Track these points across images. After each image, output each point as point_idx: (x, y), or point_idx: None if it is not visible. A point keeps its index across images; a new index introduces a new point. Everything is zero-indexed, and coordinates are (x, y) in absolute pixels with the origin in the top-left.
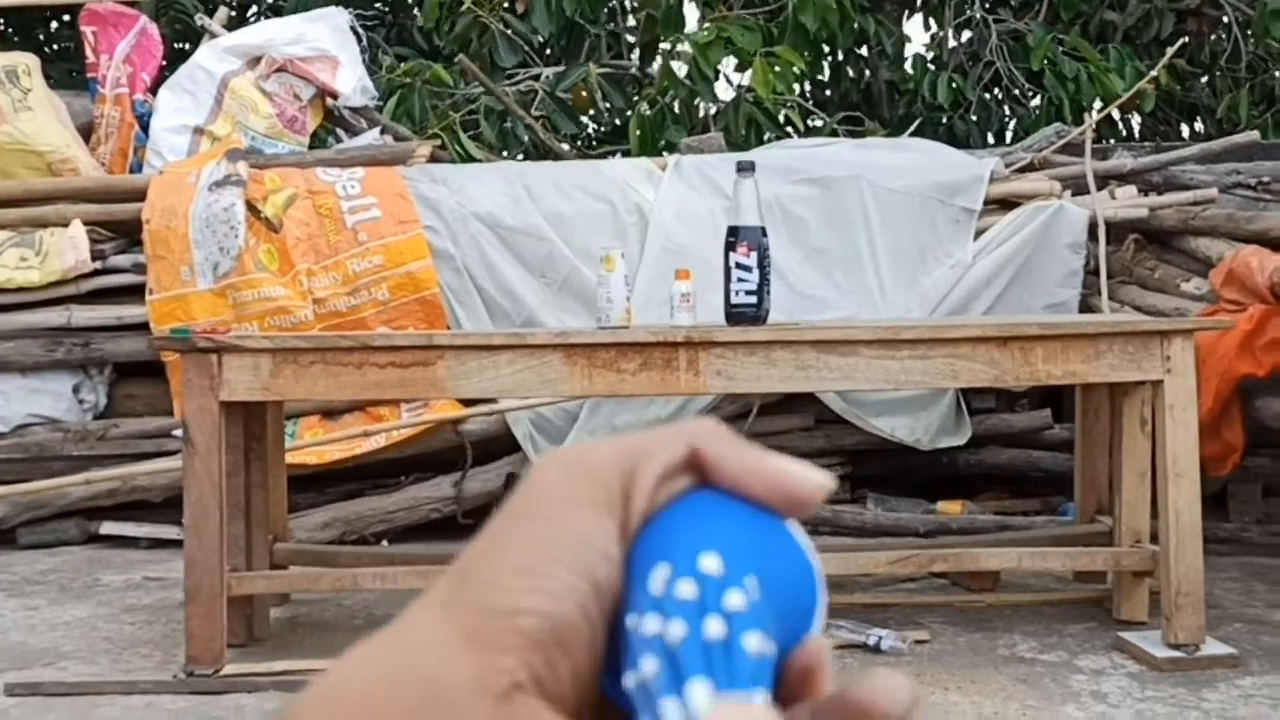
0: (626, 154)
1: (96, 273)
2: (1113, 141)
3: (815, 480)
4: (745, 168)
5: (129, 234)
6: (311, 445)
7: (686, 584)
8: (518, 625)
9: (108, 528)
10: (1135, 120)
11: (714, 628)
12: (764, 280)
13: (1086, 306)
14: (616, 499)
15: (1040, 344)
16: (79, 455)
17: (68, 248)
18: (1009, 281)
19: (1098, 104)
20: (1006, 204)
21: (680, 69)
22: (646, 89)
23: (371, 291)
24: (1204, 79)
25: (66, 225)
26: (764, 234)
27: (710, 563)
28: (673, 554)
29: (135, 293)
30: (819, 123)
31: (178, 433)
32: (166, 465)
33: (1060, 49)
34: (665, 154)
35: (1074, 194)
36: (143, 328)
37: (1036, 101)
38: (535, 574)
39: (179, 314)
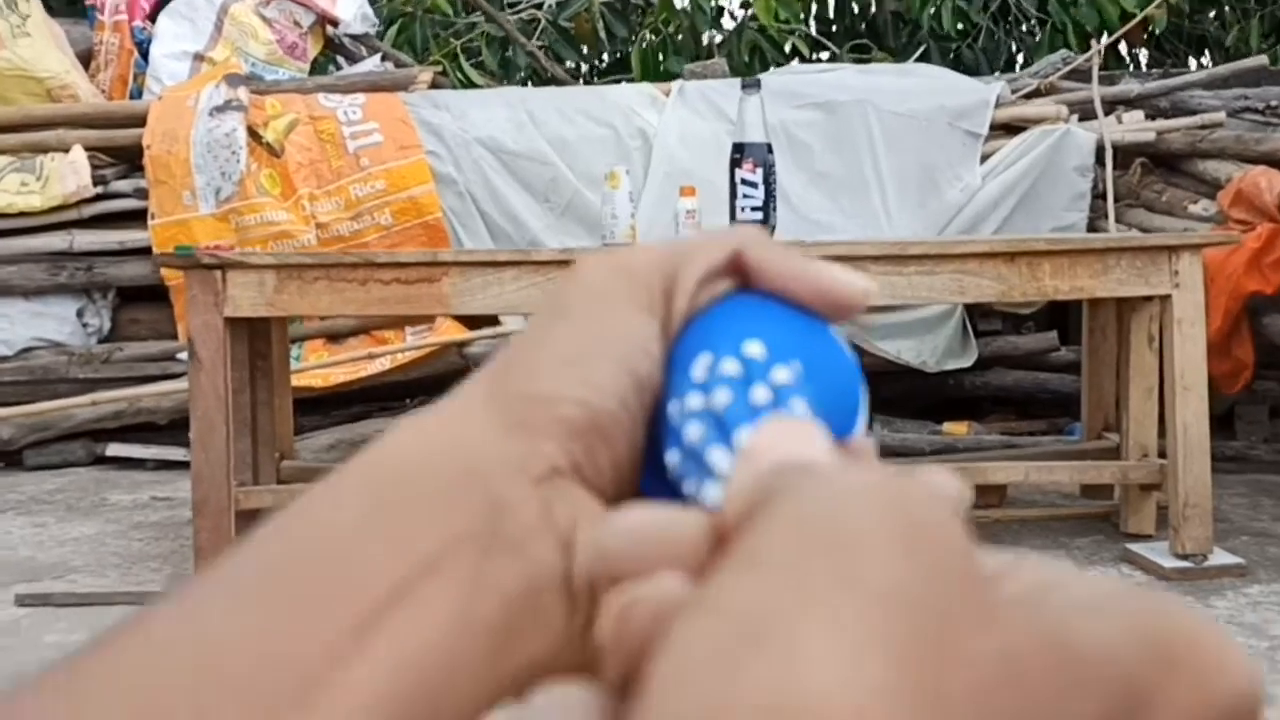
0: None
1: (98, 197)
2: (1119, 73)
3: (859, 284)
4: (751, 85)
5: (130, 159)
6: (316, 368)
7: (731, 363)
8: (559, 413)
9: (114, 449)
10: (1142, 54)
11: (761, 394)
12: (770, 197)
13: (1093, 230)
14: (658, 298)
15: (1048, 259)
16: (84, 378)
17: (68, 173)
18: (1015, 205)
19: (1105, 36)
20: (1012, 129)
21: None
22: (649, 18)
23: (374, 216)
24: (1212, 12)
25: (67, 151)
26: (770, 150)
27: (754, 348)
28: (715, 345)
29: (137, 218)
30: (825, 55)
31: (182, 355)
32: (172, 387)
33: None
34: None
35: (1080, 119)
36: (145, 252)
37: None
38: (576, 365)
39: (181, 238)
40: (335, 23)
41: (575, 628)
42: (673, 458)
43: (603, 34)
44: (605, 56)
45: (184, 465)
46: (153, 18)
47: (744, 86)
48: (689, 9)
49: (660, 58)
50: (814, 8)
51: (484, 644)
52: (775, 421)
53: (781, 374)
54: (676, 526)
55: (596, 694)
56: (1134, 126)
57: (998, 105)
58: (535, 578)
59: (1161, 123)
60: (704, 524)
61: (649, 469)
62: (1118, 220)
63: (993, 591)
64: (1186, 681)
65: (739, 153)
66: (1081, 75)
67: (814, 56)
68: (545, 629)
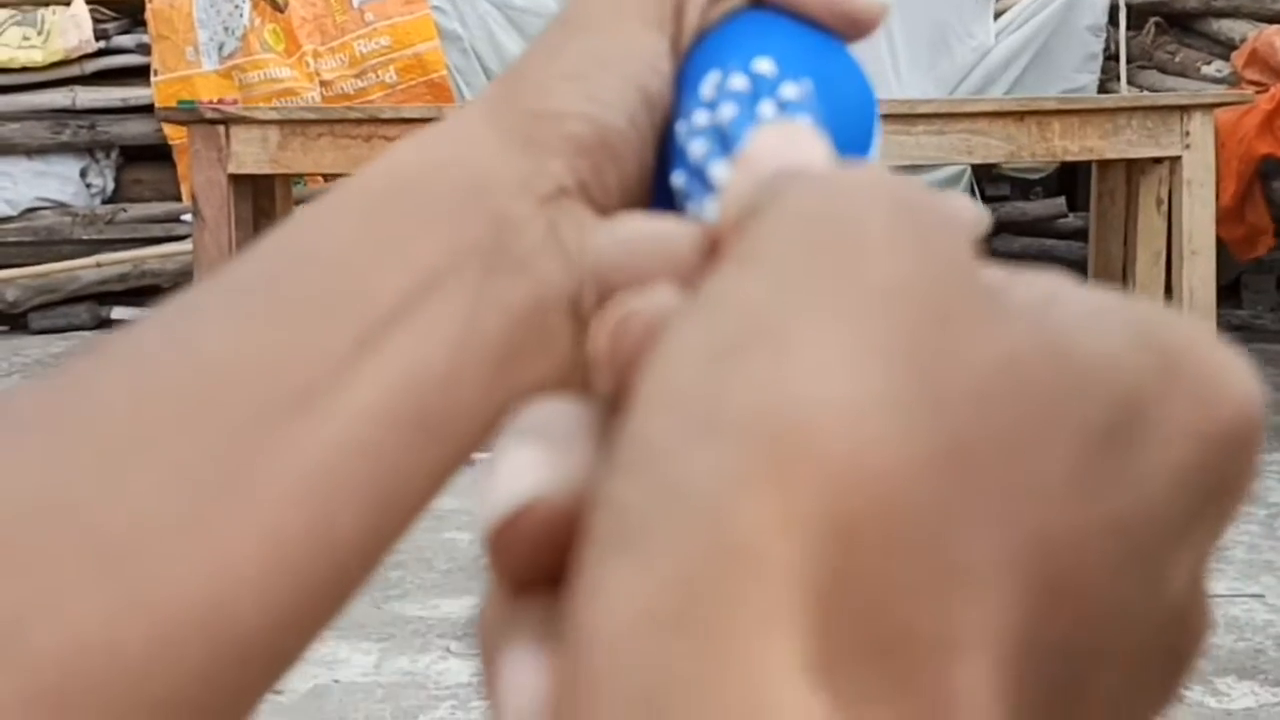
0: None
1: (100, 53)
2: None
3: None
4: None
5: (132, 14)
6: None
7: (739, 78)
8: (566, 130)
9: (119, 313)
10: None
11: (767, 109)
12: None
13: (1104, 92)
14: (668, 14)
15: (1057, 119)
16: (88, 239)
17: (70, 26)
18: (1027, 65)
19: None
20: None
21: None
22: None
23: (379, 74)
24: None
25: (68, 4)
26: None
27: (764, 65)
28: (724, 62)
29: (140, 74)
30: None
31: (187, 217)
32: (176, 249)
33: None
34: None
35: None
36: (148, 110)
37: None
38: (583, 80)
39: (184, 95)
40: None
41: (581, 351)
42: (678, 179)
43: None
44: None
45: None
46: None
47: None
48: None
49: None
50: None
51: (487, 362)
52: (774, 126)
53: (790, 90)
54: (670, 234)
55: (588, 406)
56: None
57: None
58: (541, 298)
59: None
60: (699, 232)
61: (657, 192)
62: (1130, 82)
63: (996, 298)
64: (1187, 393)
65: None
66: None
67: None
68: (550, 351)
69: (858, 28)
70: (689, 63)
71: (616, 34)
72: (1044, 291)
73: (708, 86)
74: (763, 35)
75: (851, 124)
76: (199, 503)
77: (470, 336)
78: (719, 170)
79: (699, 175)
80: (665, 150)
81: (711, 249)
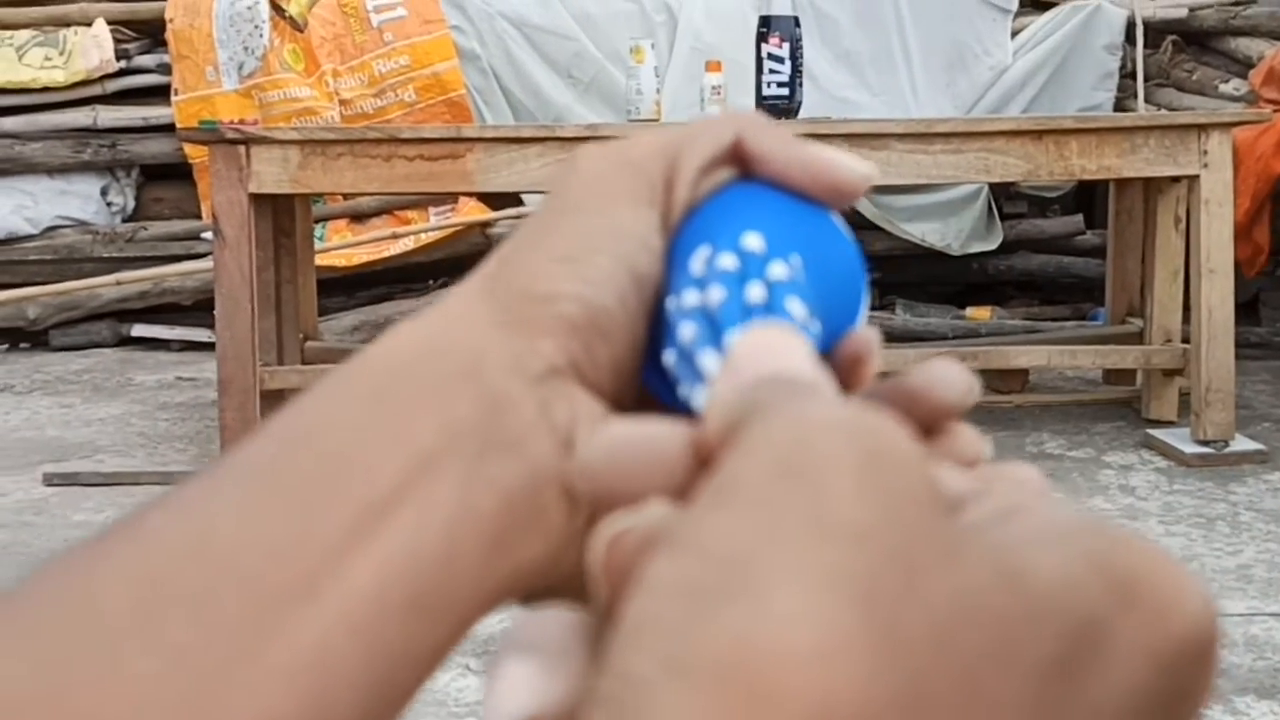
0: None
1: (121, 73)
2: None
3: (860, 169)
4: None
5: (153, 34)
6: (340, 248)
7: (727, 257)
8: (557, 310)
9: (139, 330)
10: None
11: (755, 292)
12: (796, 72)
13: (1121, 110)
14: (658, 189)
15: (1075, 138)
16: (108, 257)
17: (91, 47)
18: (1044, 83)
19: None
20: (1042, 5)
21: None
22: None
23: (398, 93)
24: None
25: (90, 24)
26: (797, 24)
27: (753, 241)
28: (714, 237)
29: (161, 94)
30: None
31: (207, 235)
32: (196, 266)
33: None
34: None
35: None
36: (169, 129)
37: None
38: (574, 262)
39: (205, 115)
40: None
41: (575, 528)
42: (669, 357)
43: None
44: None
45: (208, 347)
46: None
47: None
48: None
49: None
50: None
51: (481, 542)
52: (759, 329)
53: (778, 270)
54: (658, 443)
55: (584, 616)
56: (1166, 3)
57: None
58: (534, 476)
59: None
60: (685, 440)
61: (651, 365)
62: (1147, 100)
63: (953, 524)
64: (1143, 616)
65: (765, 26)
66: None
67: None
68: (545, 529)
69: (843, 197)
70: (679, 237)
71: (606, 214)
72: (1002, 507)
73: (697, 262)
74: (750, 209)
75: (839, 294)
76: (198, 687)
77: (464, 516)
78: (708, 360)
79: (688, 360)
80: (657, 324)
81: (699, 457)
